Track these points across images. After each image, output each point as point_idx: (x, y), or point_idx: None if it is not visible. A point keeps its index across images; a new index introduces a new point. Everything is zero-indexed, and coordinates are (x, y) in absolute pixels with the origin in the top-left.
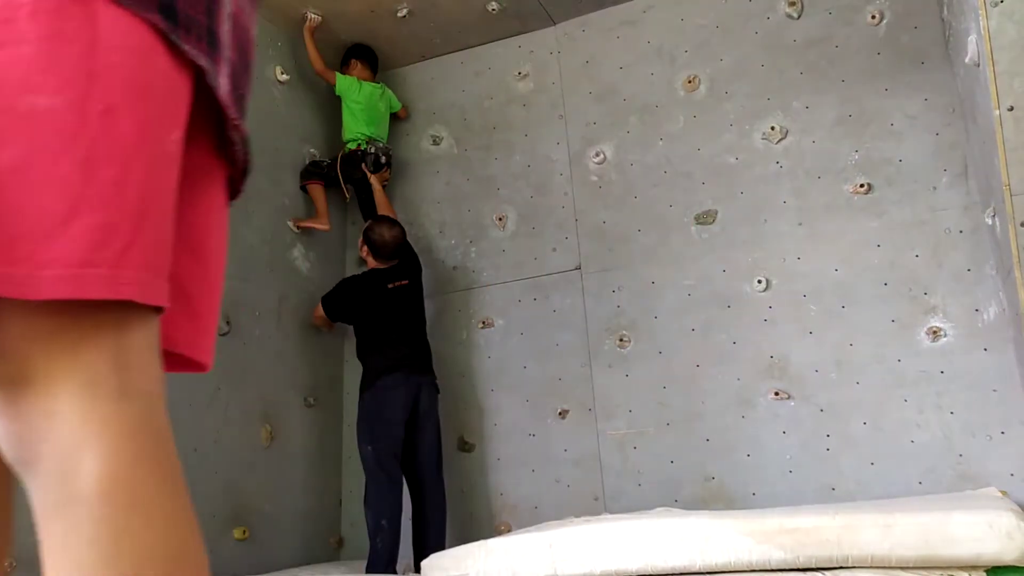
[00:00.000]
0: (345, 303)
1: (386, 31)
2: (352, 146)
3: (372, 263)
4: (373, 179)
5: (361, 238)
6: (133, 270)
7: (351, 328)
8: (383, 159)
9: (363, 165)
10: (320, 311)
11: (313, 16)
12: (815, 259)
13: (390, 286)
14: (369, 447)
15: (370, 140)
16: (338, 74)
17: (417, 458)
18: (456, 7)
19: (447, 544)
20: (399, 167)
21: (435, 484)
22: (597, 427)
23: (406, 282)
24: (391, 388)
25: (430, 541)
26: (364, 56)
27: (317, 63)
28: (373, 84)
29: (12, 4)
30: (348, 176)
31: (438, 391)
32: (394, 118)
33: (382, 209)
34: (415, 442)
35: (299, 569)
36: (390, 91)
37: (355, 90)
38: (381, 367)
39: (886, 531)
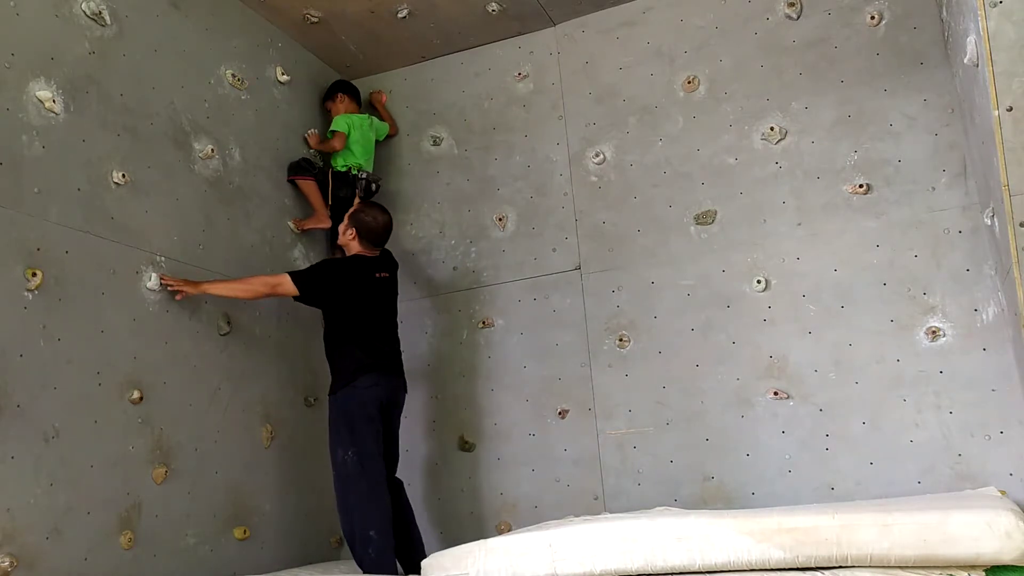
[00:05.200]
0: (328, 284)
1: (386, 31)
2: (344, 167)
3: (356, 248)
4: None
5: (347, 221)
6: None
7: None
8: (374, 188)
9: (357, 191)
10: (286, 286)
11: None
12: (814, 259)
13: (377, 275)
14: (349, 451)
15: (360, 168)
16: (337, 122)
17: (388, 458)
18: (456, 8)
19: (448, 544)
20: (400, 167)
21: (398, 481)
22: (597, 427)
23: (387, 275)
24: (371, 387)
25: (413, 537)
26: (348, 90)
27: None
28: (361, 116)
29: None
30: (335, 191)
31: (406, 392)
32: (388, 139)
33: None
34: (386, 442)
35: (299, 569)
36: (376, 119)
37: (351, 127)
38: (360, 363)
39: (885, 530)
